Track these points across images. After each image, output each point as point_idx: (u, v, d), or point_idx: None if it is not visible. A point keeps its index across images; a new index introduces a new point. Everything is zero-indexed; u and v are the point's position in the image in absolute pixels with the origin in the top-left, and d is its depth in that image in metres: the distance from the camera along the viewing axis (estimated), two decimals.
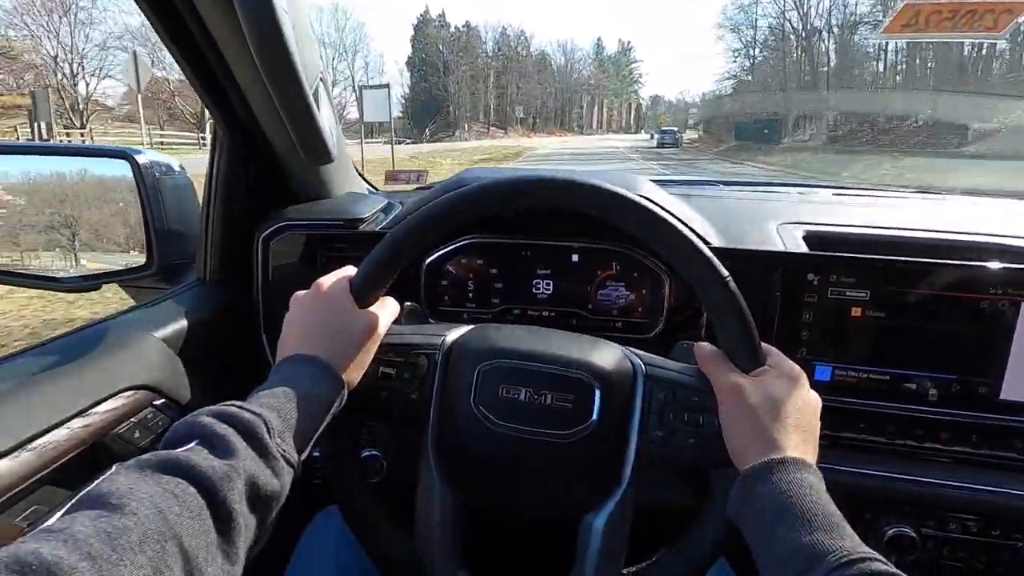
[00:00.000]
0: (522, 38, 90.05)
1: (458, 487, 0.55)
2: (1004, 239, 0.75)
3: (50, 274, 0.86)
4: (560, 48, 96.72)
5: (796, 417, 0.48)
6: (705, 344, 0.54)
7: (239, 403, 0.42)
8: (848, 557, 0.36)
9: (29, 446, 0.49)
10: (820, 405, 0.51)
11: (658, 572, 0.54)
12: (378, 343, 0.54)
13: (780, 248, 0.75)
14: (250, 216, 0.83)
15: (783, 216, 0.84)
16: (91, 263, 0.88)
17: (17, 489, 0.47)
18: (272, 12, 0.53)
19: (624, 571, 0.54)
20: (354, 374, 0.52)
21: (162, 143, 24.35)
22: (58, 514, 0.46)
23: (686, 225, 0.52)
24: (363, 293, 0.53)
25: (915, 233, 0.78)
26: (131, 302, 0.86)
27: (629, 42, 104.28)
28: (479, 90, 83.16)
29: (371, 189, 1.10)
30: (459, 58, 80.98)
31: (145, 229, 0.80)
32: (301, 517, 0.82)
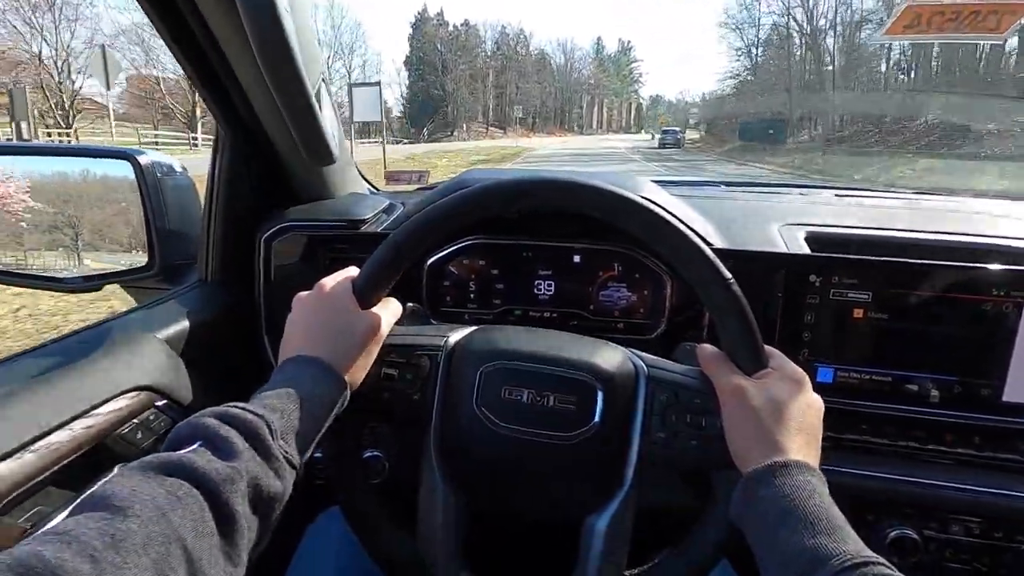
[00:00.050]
0: (521, 37, 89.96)
1: (460, 488, 0.55)
2: (1006, 240, 0.75)
3: (51, 274, 0.87)
4: (560, 47, 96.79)
5: (799, 420, 0.48)
6: (707, 346, 0.54)
7: (242, 404, 0.42)
8: (852, 561, 0.36)
9: (31, 447, 0.49)
10: (823, 408, 0.51)
11: (660, 574, 0.54)
12: (380, 344, 0.54)
13: (782, 249, 0.75)
14: (252, 217, 0.83)
15: (785, 217, 0.84)
16: (94, 263, 0.88)
17: (20, 490, 0.47)
18: (274, 11, 0.53)
19: (626, 573, 0.54)
20: (356, 375, 0.52)
21: (156, 143, 23.95)
22: (61, 516, 0.46)
23: (688, 226, 0.52)
24: (366, 294, 0.53)
25: (917, 234, 0.78)
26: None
27: (629, 41, 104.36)
28: (478, 90, 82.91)
29: (373, 189, 1.10)
30: (458, 57, 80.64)
31: (147, 230, 0.80)
32: (303, 518, 0.82)
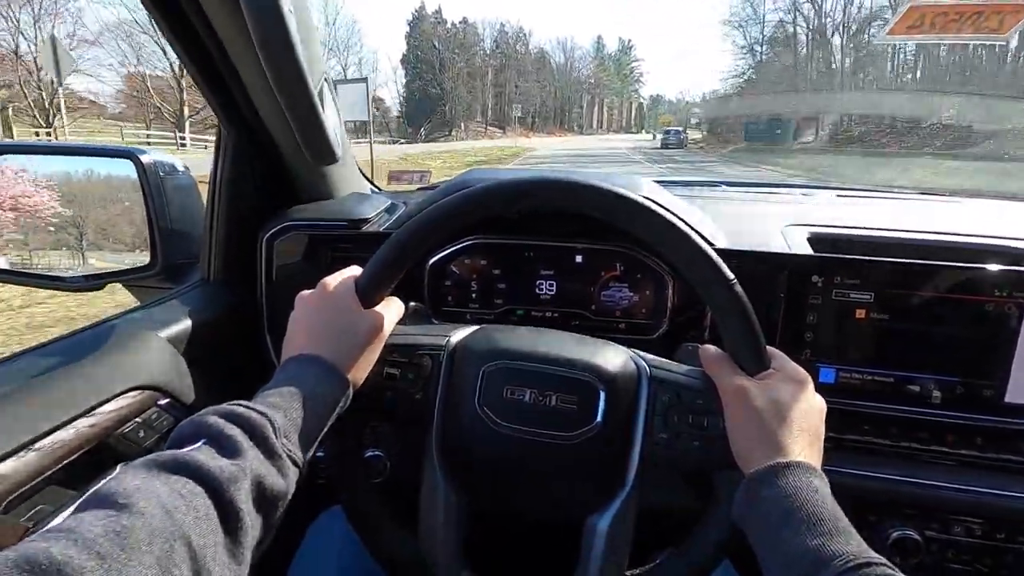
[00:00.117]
0: (521, 35, 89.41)
1: (462, 488, 0.55)
2: (1009, 241, 0.75)
3: (54, 273, 0.87)
4: (560, 46, 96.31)
5: (801, 421, 0.48)
6: (710, 346, 0.54)
7: (245, 402, 0.42)
8: (854, 561, 0.36)
9: (34, 446, 0.49)
10: (825, 409, 0.51)
11: (661, 574, 0.54)
12: (383, 343, 0.54)
13: (784, 250, 0.75)
14: (254, 216, 0.83)
15: (787, 217, 0.84)
16: (98, 262, 0.88)
17: (22, 489, 0.47)
18: (278, 12, 0.53)
19: (628, 573, 0.54)
20: (359, 374, 0.52)
21: (148, 142, 23.53)
22: (65, 513, 0.46)
23: (690, 226, 0.52)
24: (368, 293, 0.53)
25: (920, 235, 0.78)
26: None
27: (630, 40, 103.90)
28: (476, 89, 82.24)
29: (375, 189, 1.10)
30: (455, 55, 79.81)
31: (149, 229, 0.80)
32: (305, 517, 0.82)
